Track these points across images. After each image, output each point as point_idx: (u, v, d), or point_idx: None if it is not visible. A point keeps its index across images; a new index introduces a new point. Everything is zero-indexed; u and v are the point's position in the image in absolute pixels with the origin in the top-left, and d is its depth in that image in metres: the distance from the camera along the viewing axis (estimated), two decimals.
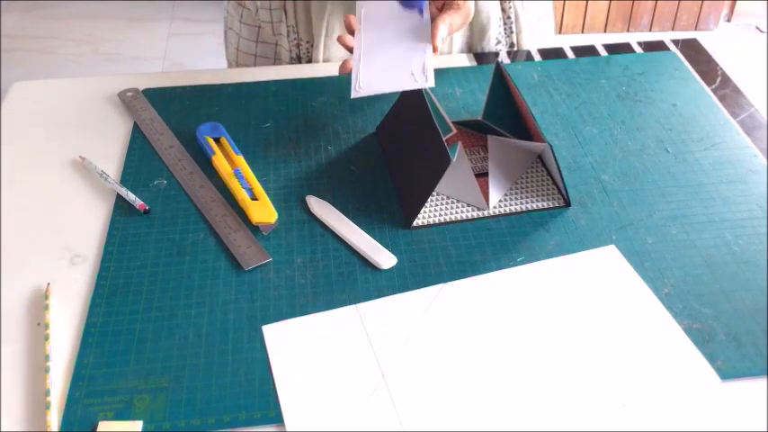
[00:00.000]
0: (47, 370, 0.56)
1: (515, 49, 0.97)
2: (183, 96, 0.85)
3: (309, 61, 0.95)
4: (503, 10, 0.94)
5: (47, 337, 0.58)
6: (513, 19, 0.95)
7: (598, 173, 0.75)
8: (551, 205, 0.71)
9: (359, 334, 0.59)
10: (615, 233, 0.68)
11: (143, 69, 2.39)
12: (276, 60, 0.97)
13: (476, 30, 0.93)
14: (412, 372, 0.57)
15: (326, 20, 0.88)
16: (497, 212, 0.70)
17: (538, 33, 0.99)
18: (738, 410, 0.54)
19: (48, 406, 0.54)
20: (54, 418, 0.53)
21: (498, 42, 0.95)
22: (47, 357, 0.57)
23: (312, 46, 0.92)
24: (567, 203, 0.71)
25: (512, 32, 0.96)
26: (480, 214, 0.70)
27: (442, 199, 0.71)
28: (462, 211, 0.70)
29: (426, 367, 0.57)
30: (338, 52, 0.92)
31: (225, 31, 1.02)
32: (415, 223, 0.69)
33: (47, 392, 0.54)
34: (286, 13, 0.90)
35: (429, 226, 0.69)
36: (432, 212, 0.70)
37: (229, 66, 1.04)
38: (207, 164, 0.76)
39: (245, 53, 0.99)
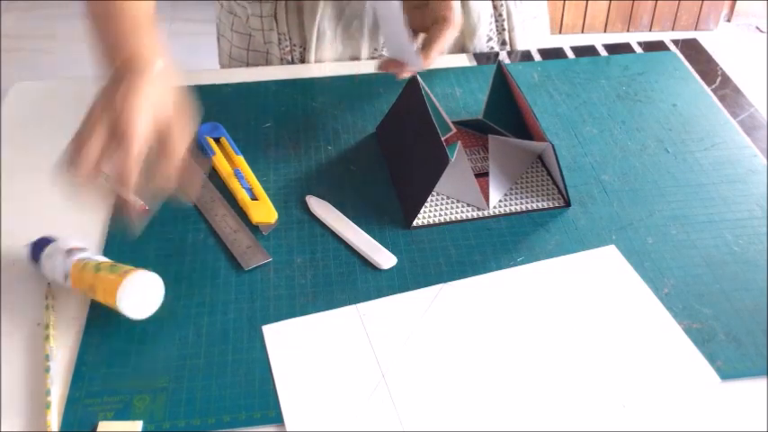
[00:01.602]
0: (47, 370, 0.56)
1: (507, 47, 0.97)
2: None
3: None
4: (494, 8, 0.94)
5: (46, 338, 0.58)
6: (504, 17, 0.94)
7: (598, 173, 0.75)
8: (551, 205, 0.71)
9: (359, 334, 0.59)
10: (615, 233, 0.68)
11: None
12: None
13: (467, 30, 0.93)
14: (412, 372, 0.57)
15: (318, 22, 0.88)
16: (497, 212, 0.70)
17: (531, 32, 0.99)
18: (738, 410, 0.54)
19: (48, 406, 0.54)
20: (54, 418, 0.53)
21: (490, 39, 0.95)
22: (47, 357, 0.57)
23: (305, 50, 0.92)
24: (568, 203, 0.71)
25: (504, 30, 0.96)
26: (480, 214, 0.70)
27: (442, 199, 0.71)
28: (462, 211, 0.70)
29: (426, 367, 0.57)
30: (330, 54, 0.92)
31: (217, 38, 1.02)
32: (414, 223, 0.69)
33: (47, 392, 0.54)
34: (277, 22, 0.90)
35: (429, 226, 0.69)
36: (432, 212, 0.70)
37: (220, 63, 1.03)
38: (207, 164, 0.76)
39: (236, 60, 1.00)
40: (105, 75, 0.60)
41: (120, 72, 0.59)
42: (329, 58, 0.92)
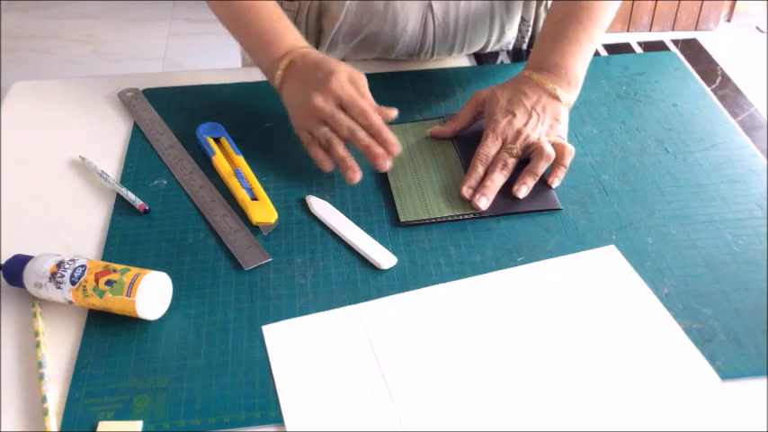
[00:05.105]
0: (41, 377, 0.56)
1: (510, 46, 0.97)
2: (183, 96, 0.85)
3: None
4: (522, 19, 0.94)
5: (38, 345, 0.58)
6: (530, 23, 0.94)
7: (598, 173, 0.75)
8: (545, 207, 0.70)
9: (359, 334, 0.59)
10: (615, 233, 0.68)
11: (143, 69, 2.39)
12: None
13: (492, 40, 0.93)
14: (412, 372, 0.57)
15: (333, 33, 0.88)
16: (497, 212, 0.70)
17: None
18: (738, 410, 0.54)
19: (45, 413, 0.53)
20: (53, 423, 0.53)
21: (508, 43, 0.96)
22: (39, 364, 0.57)
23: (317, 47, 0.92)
24: (558, 206, 0.70)
25: (527, 33, 0.96)
26: (480, 214, 0.70)
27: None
28: (462, 210, 0.70)
29: (426, 367, 0.57)
30: (341, 54, 0.92)
31: None
32: (412, 222, 0.69)
33: (43, 399, 0.54)
34: (297, 24, 0.89)
35: (428, 224, 0.69)
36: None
37: (243, 62, 1.03)
38: (207, 164, 0.76)
39: (246, 60, 1.00)
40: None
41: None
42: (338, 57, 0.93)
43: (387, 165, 0.70)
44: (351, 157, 0.71)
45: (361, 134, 0.70)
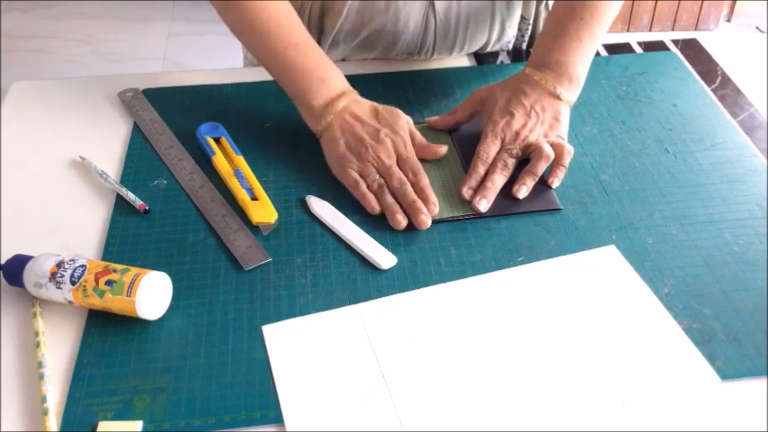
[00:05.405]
0: (41, 377, 0.56)
1: (510, 46, 0.97)
2: (183, 96, 0.85)
3: None
4: (523, 17, 0.93)
5: (38, 345, 0.58)
6: (530, 21, 0.94)
7: (598, 173, 0.75)
8: (545, 207, 0.70)
9: (359, 334, 0.59)
10: (615, 233, 0.68)
11: (143, 69, 2.39)
12: None
13: (492, 38, 0.93)
14: (412, 372, 0.57)
15: (335, 33, 0.88)
16: (497, 212, 0.70)
17: None
18: (738, 410, 0.54)
19: (45, 413, 0.53)
20: (53, 423, 0.53)
21: (509, 42, 0.95)
22: (39, 364, 0.57)
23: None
24: (558, 206, 0.70)
25: (527, 31, 0.96)
26: (480, 214, 0.70)
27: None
28: (462, 212, 0.70)
29: (426, 367, 0.57)
30: (344, 54, 0.92)
31: None
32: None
33: (43, 399, 0.54)
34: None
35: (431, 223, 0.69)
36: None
37: (245, 62, 1.03)
38: (207, 164, 0.76)
39: (249, 60, 1.00)
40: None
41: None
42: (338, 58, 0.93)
43: (427, 223, 0.68)
44: (396, 203, 0.70)
45: (409, 190, 0.70)
